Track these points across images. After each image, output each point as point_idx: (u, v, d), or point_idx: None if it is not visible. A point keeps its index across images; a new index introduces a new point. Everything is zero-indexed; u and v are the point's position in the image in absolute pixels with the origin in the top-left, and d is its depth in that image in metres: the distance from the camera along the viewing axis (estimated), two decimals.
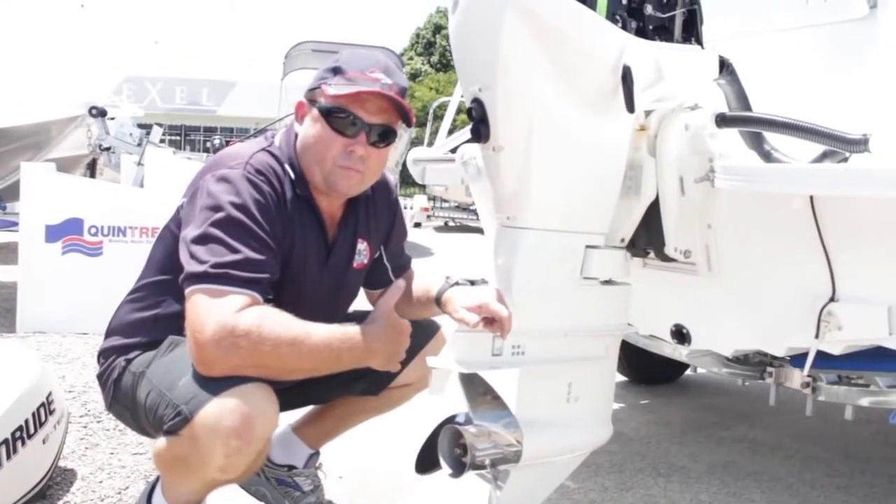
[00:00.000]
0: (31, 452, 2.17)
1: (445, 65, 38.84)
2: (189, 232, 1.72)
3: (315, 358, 1.67)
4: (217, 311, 1.60)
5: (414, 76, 36.66)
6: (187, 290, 1.67)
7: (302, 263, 1.90)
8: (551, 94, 1.74)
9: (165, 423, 1.66)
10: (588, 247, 1.89)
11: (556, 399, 1.92)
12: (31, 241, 4.48)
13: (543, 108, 1.74)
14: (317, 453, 2.32)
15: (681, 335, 2.36)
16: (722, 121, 2.02)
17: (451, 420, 1.89)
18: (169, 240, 1.88)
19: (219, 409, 1.58)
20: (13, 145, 5.16)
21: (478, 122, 1.77)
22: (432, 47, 39.68)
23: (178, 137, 34.97)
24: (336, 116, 1.81)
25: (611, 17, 1.85)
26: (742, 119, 2.01)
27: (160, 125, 7.64)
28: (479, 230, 3.55)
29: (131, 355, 1.87)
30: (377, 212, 2.09)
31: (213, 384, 1.61)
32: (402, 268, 2.25)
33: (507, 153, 1.77)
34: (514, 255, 1.81)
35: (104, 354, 1.93)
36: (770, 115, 1.93)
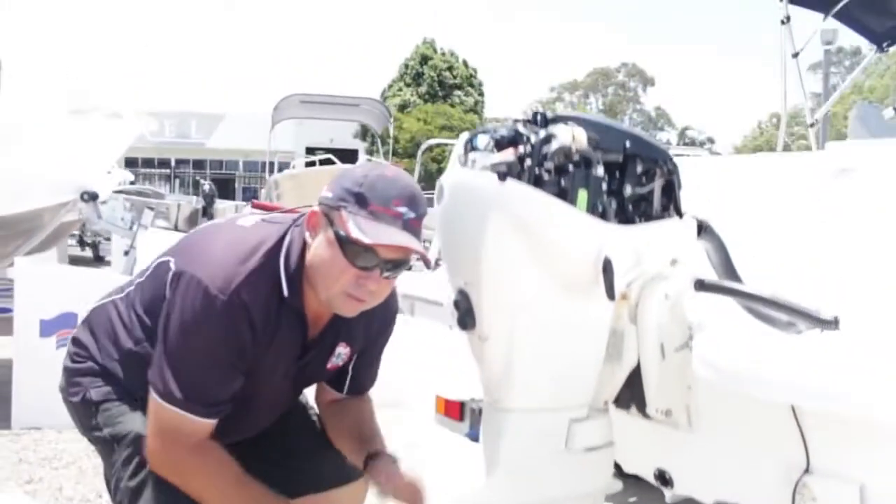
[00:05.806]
0: None
1: (433, 95, 39.13)
2: (165, 345, 1.83)
3: None
4: (176, 438, 1.82)
5: (402, 107, 36.87)
6: (154, 397, 1.83)
7: (272, 367, 1.96)
8: (535, 288, 1.82)
9: None
10: (572, 420, 1.96)
11: None
12: (25, 336, 4.52)
13: (527, 302, 1.82)
14: None
15: (664, 479, 2.42)
16: (700, 287, 2.09)
17: None
18: (148, 288, 1.98)
19: None
20: (4, 233, 5.21)
21: (464, 314, 1.84)
22: (420, 78, 39.89)
23: (167, 171, 34.98)
24: (353, 248, 1.78)
25: (591, 206, 1.91)
26: (719, 288, 2.08)
27: (151, 209, 7.65)
28: None
29: (99, 396, 1.98)
30: (370, 321, 2.07)
31: None
32: (363, 387, 2.23)
33: (492, 343, 1.84)
34: (499, 436, 1.88)
35: (75, 363, 2.04)
36: (745, 288, 2.00)
